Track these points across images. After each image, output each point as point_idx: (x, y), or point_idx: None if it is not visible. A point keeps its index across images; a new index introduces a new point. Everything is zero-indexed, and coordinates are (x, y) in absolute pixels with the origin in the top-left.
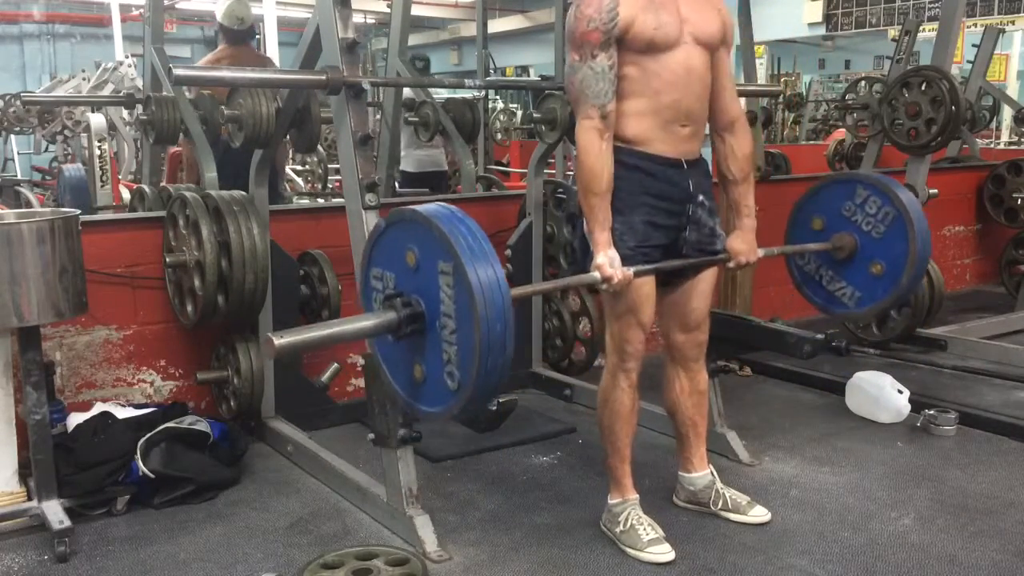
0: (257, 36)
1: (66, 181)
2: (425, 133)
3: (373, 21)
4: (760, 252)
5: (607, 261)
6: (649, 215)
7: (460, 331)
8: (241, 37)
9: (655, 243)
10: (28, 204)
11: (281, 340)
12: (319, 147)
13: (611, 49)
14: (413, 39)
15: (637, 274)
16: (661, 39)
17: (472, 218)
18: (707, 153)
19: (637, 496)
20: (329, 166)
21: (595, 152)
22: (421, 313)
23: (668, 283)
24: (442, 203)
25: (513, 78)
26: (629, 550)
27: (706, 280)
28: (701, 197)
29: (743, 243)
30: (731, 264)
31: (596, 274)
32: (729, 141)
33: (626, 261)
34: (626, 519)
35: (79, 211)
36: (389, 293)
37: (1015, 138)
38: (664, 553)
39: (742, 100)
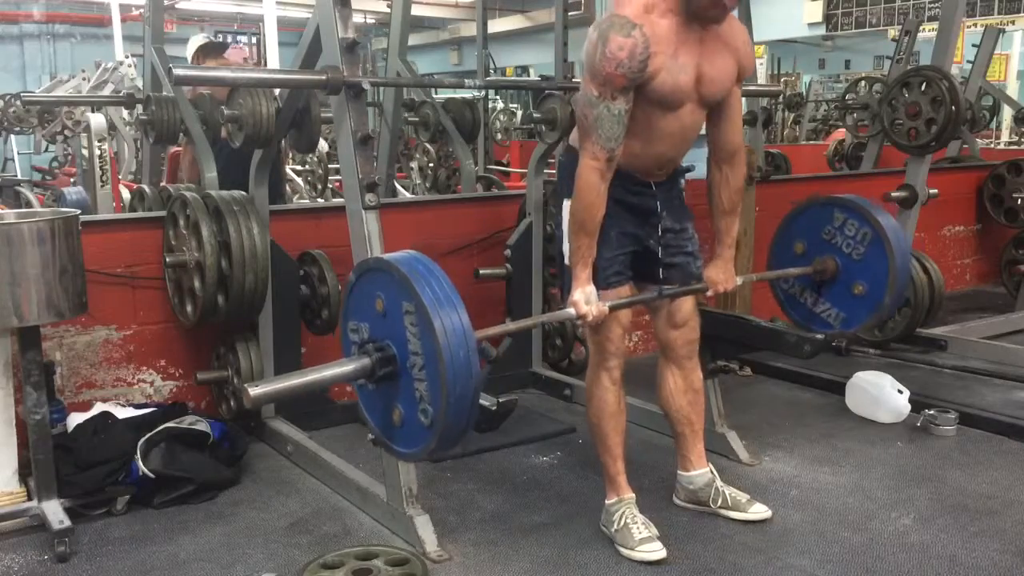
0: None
1: (68, 205)
2: (426, 132)
3: (373, 21)
4: (738, 280)
5: (583, 298)
6: (620, 225)
7: (428, 366)
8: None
9: (628, 249)
10: (28, 204)
11: (257, 390)
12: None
13: (631, 94)
14: (413, 39)
15: (612, 308)
16: (674, 100)
17: (429, 258)
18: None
19: (633, 495)
20: (329, 166)
21: (596, 192)
22: (392, 356)
23: (648, 279)
24: (407, 251)
25: (513, 78)
26: (622, 549)
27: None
28: (665, 213)
29: (721, 272)
30: (709, 293)
31: (571, 310)
32: (726, 171)
33: (604, 269)
34: (620, 518)
35: (79, 211)
36: (363, 340)
37: (1015, 138)
38: (654, 551)
39: (743, 100)
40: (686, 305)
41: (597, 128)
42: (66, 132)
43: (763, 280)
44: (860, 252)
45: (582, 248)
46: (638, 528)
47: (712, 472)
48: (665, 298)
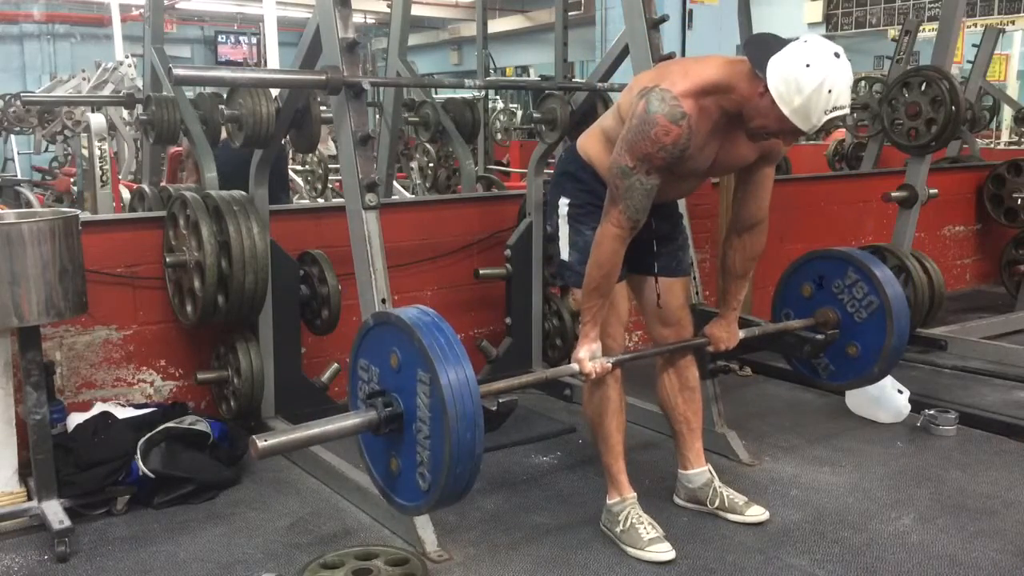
0: None
1: None
2: (426, 132)
3: (373, 21)
4: (741, 333)
5: (588, 355)
6: None
7: (433, 438)
8: None
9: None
10: (28, 204)
11: (265, 443)
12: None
13: (664, 172)
14: (413, 39)
15: (615, 364)
16: (682, 174)
17: (449, 324)
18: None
19: (635, 495)
20: (329, 166)
21: (617, 259)
22: (400, 414)
23: (639, 273)
24: (423, 309)
25: (513, 78)
26: (630, 549)
27: (675, 279)
28: (655, 224)
29: (724, 331)
30: (710, 349)
31: (575, 366)
32: (745, 239)
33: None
34: (626, 518)
35: (78, 211)
36: (373, 390)
37: (1015, 138)
38: (665, 552)
39: None
40: (673, 303)
41: (627, 198)
42: (66, 132)
43: (765, 334)
44: (863, 316)
45: (594, 308)
46: (645, 528)
47: (711, 472)
48: (666, 352)
